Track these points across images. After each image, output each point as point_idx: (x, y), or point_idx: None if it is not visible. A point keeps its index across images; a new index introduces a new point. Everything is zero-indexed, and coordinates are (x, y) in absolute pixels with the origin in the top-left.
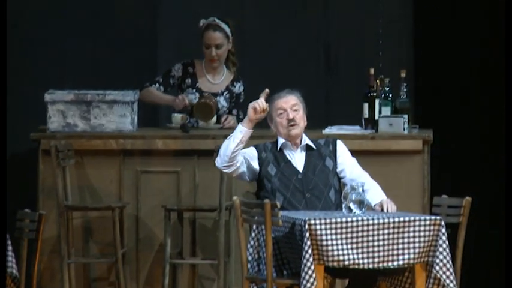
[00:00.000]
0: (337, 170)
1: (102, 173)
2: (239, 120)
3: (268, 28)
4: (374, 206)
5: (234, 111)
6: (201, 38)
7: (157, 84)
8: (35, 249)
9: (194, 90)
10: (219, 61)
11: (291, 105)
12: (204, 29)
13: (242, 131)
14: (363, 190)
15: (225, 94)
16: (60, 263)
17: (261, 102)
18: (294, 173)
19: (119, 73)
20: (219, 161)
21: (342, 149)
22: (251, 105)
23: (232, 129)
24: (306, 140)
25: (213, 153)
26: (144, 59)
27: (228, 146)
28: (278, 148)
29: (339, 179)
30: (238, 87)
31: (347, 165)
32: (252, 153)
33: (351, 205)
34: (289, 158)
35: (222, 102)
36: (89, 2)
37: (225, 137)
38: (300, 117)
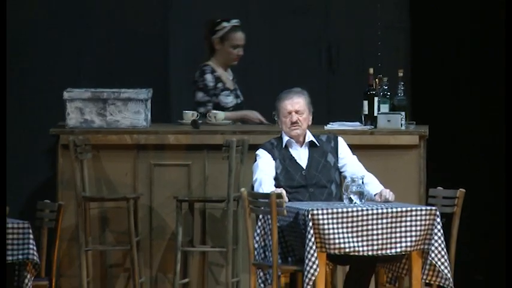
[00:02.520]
0: (339, 165)
1: (118, 166)
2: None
3: (271, 28)
4: (374, 195)
5: None
6: (223, 39)
7: (209, 104)
8: (54, 237)
9: (228, 92)
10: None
11: (297, 109)
12: (231, 30)
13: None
14: (362, 182)
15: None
16: (78, 250)
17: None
18: (298, 169)
19: (132, 72)
20: None
21: (343, 145)
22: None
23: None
24: (309, 137)
25: (222, 147)
26: (156, 59)
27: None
28: (284, 145)
29: (340, 173)
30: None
31: (348, 161)
32: (268, 162)
33: (352, 196)
34: (293, 155)
35: (240, 95)
36: (103, 3)
37: (233, 132)
38: (304, 119)
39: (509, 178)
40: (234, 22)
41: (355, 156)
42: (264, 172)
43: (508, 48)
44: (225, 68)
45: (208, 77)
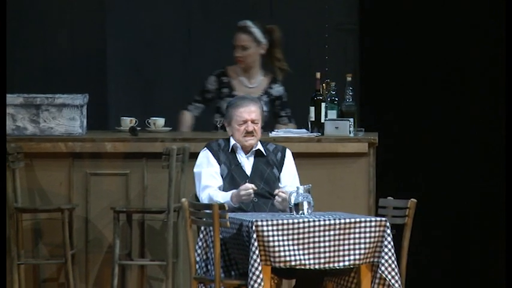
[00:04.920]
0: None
1: (52, 175)
2: (290, 118)
3: (216, 33)
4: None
5: (283, 113)
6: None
7: (195, 104)
8: None
9: None
10: (244, 63)
11: (253, 119)
12: (236, 30)
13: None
14: (309, 192)
15: (263, 98)
16: (9, 264)
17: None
18: (243, 176)
19: (67, 77)
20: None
21: (289, 160)
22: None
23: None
24: (257, 146)
25: (161, 155)
26: (92, 63)
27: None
28: (230, 149)
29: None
30: (277, 90)
31: (289, 176)
32: (214, 165)
33: (298, 207)
34: (239, 161)
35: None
36: (38, 7)
37: (173, 140)
38: (259, 128)
39: (462, 187)
40: (241, 23)
41: (296, 174)
42: (213, 188)
43: (459, 51)
44: (245, 74)
45: (211, 78)
